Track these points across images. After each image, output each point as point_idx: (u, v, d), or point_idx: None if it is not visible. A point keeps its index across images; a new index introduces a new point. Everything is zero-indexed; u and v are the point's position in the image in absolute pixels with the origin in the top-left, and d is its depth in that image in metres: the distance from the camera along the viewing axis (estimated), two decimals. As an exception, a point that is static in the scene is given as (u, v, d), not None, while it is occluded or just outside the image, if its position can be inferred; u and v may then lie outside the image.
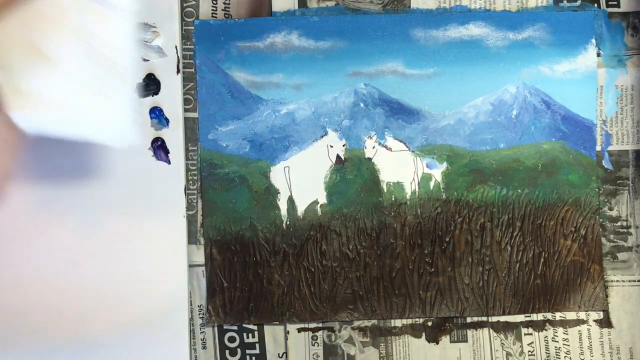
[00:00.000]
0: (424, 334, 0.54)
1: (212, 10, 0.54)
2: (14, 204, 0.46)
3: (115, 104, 0.38)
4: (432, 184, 0.54)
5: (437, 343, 0.54)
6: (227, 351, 0.54)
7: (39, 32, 0.36)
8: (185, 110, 0.54)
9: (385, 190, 0.54)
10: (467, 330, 0.55)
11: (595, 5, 0.55)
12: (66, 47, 0.36)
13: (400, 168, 0.54)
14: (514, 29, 0.55)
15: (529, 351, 0.54)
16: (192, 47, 0.54)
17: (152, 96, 0.52)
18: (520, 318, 0.55)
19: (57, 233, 0.50)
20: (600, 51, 0.55)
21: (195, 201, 0.54)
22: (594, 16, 0.55)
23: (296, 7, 0.54)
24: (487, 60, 0.55)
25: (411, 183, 0.54)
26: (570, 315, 0.55)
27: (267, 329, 0.54)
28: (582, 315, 0.55)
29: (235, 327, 0.54)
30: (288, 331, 0.54)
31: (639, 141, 0.55)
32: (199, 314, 0.54)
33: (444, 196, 0.54)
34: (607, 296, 0.55)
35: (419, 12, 0.55)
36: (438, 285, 0.54)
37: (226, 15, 0.54)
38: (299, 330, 0.54)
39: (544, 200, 0.55)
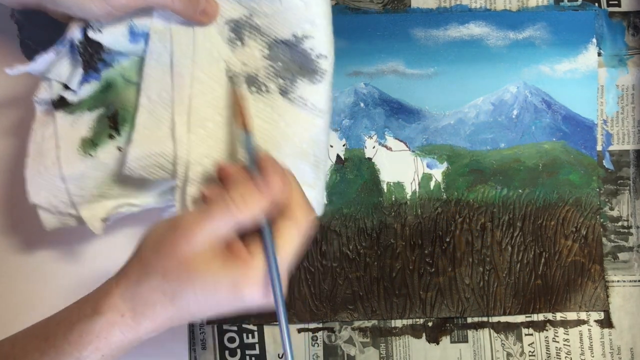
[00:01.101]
0: (424, 334, 0.54)
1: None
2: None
3: (316, 189, 0.44)
4: (432, 184, 0.54)
5: (438, 343, 0.54)
6: (227, 351, 0.54)
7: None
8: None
9: (385, 190, 0.54)
10: (468, 331, 0.54)
11: (596, 4, 0.55)
12: (276, 149, 0.42)
13: (401, 168, 0.54)
14: (515, 29, 0.54)
15: (530, 351, 0.54)
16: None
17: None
18: (520, 318, 0.54)
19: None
20: (601, 51, 0.55)
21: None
22: (595, 16, 0.55)
23: (296, 6, 0.54)
24: (488, 60, 0.54)
25: (411, 183, 0.54)
26: (571, 316, 0.54)
27: (267, 329, 0.54)
28: (582, 315, 0.55)
29: (235, 328, 0.54)
30: (288, 331, 0.54)
31: (639, 141, 0.55)
32: (199, 314, 0.54)
33: (444, 196, 0.54)
34: (607, 296, 0.55)
35: (419, 12, 0.55)
36: (438, 286, 0.54)
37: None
38: (299, 330, 0.54)
39: (545, 201, 0.54)
